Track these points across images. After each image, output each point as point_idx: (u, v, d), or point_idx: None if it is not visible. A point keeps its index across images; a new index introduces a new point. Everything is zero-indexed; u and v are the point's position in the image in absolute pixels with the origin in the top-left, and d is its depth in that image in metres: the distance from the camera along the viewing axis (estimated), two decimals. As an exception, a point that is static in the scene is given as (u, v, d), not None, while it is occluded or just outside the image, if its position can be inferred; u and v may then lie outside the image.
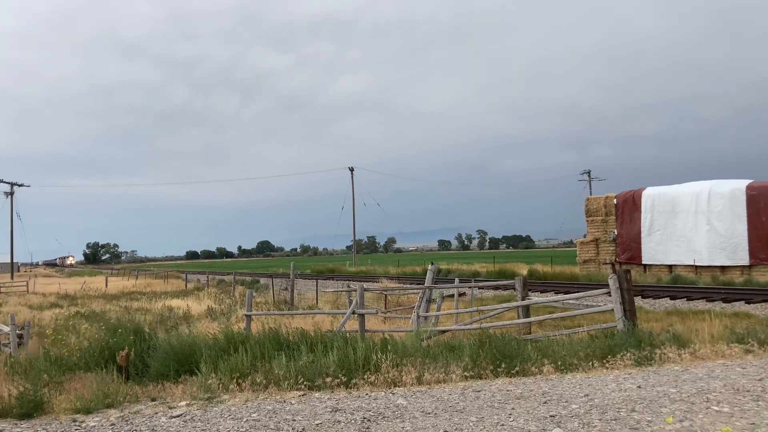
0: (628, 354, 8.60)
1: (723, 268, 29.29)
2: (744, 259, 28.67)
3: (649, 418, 5.65)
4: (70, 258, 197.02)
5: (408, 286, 26.77)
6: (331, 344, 9.22)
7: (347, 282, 37.47)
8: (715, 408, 5.88)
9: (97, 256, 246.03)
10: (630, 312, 10.29)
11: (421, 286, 15.86)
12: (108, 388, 7.76)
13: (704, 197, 30.33)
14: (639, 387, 6.90)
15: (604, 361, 8.50)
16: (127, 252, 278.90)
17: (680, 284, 26.80)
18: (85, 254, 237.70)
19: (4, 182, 76.29)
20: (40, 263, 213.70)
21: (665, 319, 16.17)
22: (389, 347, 9.09)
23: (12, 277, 70.12)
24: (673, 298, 22.24)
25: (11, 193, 76.46)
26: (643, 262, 32.96)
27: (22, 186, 77.51)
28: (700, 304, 20.31)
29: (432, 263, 16.67)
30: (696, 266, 30.38)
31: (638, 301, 19.21)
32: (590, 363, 8.45)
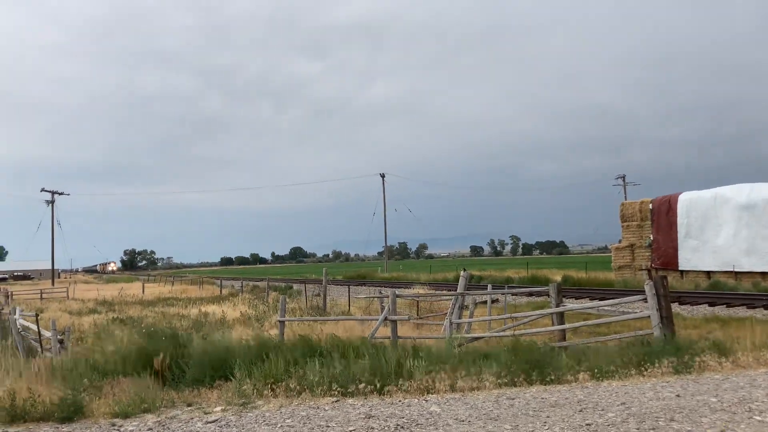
0: (666, 362, 8.43)
1: (764, 275, 28.49)
2: (786, 264, 27.91)
3: (688, 428, 5.53)
4: (111, 264, 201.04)
5: (440, 292, 26.67)
6: (363, 350, 9.24)
7: (379, 288, 37.47)
8: (758, 418, 5.73)
9: (134, 263, 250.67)
10: (667, 319, 10.09)
11: (453, 292, 15.79)
12: (145, 393, 7.88)
13: (743, 201, 29.59)
14: (678, 396, 6.76)
15: (641, 368, 8.34)
16: (163, 258, 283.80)
17: (719, 290, 26.16)
18: (122, 261, 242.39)
19: (46, 191, 78.37)
20: (79, 270, 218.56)
21: (704, 326, 15.83)
22: (422, 354, 9.07)
23: (53, 284, 71.93)
24: (711, 304, 21.74)
25: (52, 202, 78.44)
26: (680, 268, 32.30)
27: (62, 194, 79.55)
28: (741, 311, 19.82)
29: (464, 269, 16.60)
30: (735, 272, 29.62)
31: (675, 307, 18.83)
32: (627, 370, 8.31)
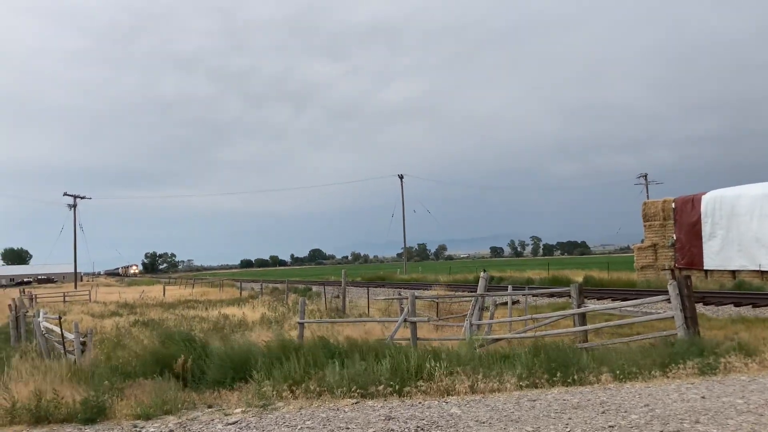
0: (691, 363, 8.30)
1: (791, 274, 27.99)
2: (814, 263, 27.37)
3: (714, 430, 5.43)
4: (133, 267, 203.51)
5: (460, 293, 26.57)
6: (383, 352, 9.21)
7: (398, 290, 37.43)
8: (786, 420, 5.60)
9: (155, 266, 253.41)
10: (691, 319, 9.94)
11: (473, 293, 15.70)
12: (166, 394, 7.93)
13: (768, 199, 29.08)
14: (703, 397, 6.64)
15: (665, 369, 8.22)
16: (183, 261, 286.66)
17: (745, 290, 25.72)
18: (143, 264, 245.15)
19: (68, 195, 79.48)
20: (101, 273, 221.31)
21: (729, 327, 15.57)
22: (442, 355, 9.02)
23: (75, 287, 72.92)
24: (737, 305, 21.37)
25: (74, 206, 79.53)
26: (704, 268, 31.82)
27: (84, 198, 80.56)
28: (767, 312, 19.47)
29: (484, 270, 16.50)
30: (762, 272, 29.09)
31: (699, 307, 18.55)
32: (650, 372, 8.19)
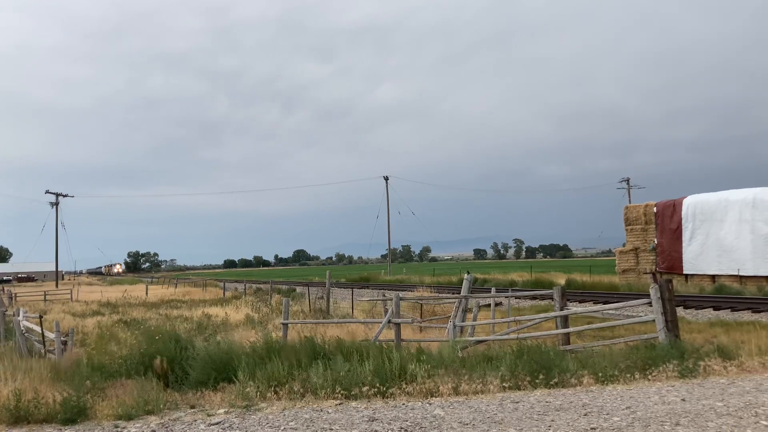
0: (671, 366, 8.39)
1: (769, 278, 28.39)
2: (791, 268, 27.78)
3: (694, 433, 5.50)
4: (117, 266, 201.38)
5: (444, 295, 26.62)
6: (367, 353, 9.22)
7: (382, 291, 37.46)
8: (765, 423, 5.69)
9: (138, 265, 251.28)
10: (672, 323, 10.05)
11: (457, 295, 15.75)
12: (148, 395, 7.87)
13: (749, 204, 29.48)
14: (683, 400, 6.72)
15: (646, 372, 8.30)
16: (166, 261, 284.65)
17: (724, 294, 26.05)
18: (125, 263, 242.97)
19: (50, 193, 78.56)
20: (83, 272, 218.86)
21: (708, 330, 15.76)
22: (425, 357, 9.04)
23: (57, 285, 72.06)
24: (716, 308, 21.64)
25: (56, 204, 78.65)
26: (684, 272, 32.19)
27: (67, 196, 79.68)
28: (746, 315, 19.73)
29: (468, 272, 16.56)
30: (740, 276, 29.51)
31: (680, 311, 18.75)
32: (631, 374, 8.27)
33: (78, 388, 7.98)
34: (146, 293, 47.01)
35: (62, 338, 12.55)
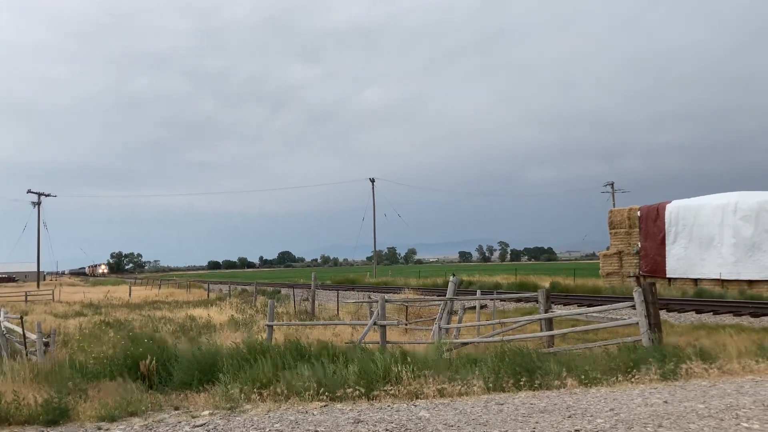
0: (654, 368, 8.46)
1: (750, 282, 28.72)
2: (772, 273, 28.13)
3: (676, 434, 5.55)
4: (102, 266, 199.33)
5: (429, 297, 26.68)
6: (352, 355, 9.21)
7: (368, 293, 37.46)
8: (745, 425, 5.75)
9: (121, 266, 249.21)
10: (655, 325, 10.14)
11: (442, 297, 15.79)
12: (131, 396, 7.81)
13: (730, 210, 29.83)
14: (666, 402, 6.78)
15: (629, 375, 8.37)
16: (150, 262, 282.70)
17: (706, 298, 26.34)
18: (109, 263, 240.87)
19: (32, 192, 77.67)
20: (66, 272, 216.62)
21: (691, 333, 15.92)
22: (410, 359, 9.05)
23: (38, 286, 71.24)
24: (699, 311, 21.88)
25: (38, 203, 77.78)
26: (667, 276, 32.51)
27: (49, 196, 78.83)
28: (727, 319, 19.96)
29: (453, 275, 16.61)
30: (722, 280, 29.84)
31: (663, 314, 18.92)
32: (615, 377, 8.33)
33: (60, 390, 7.89)
34: (129, 294, 46.64)
35: (44, 339, 12.42)
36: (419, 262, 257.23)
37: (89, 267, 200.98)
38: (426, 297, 27.79)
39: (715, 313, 21.36)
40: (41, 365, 10.44)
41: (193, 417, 7.10)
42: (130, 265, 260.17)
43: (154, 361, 9.97)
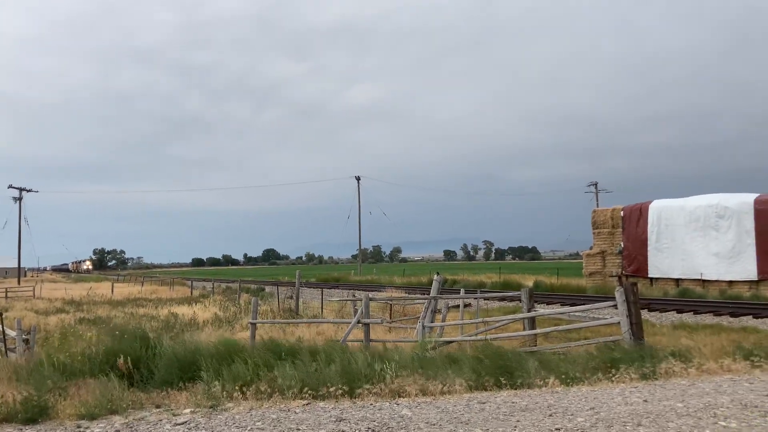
0: (634, 367, 8.55)
1: (731, 283, 29.08)
2: (752, 273, 28.47)
3: (655, 433, 5.61)
4: (86, 263, 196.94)
5: (413, 296, 26.72)
6: (335, 354, 9.20)
7: (352, 291, 37.43)
8: (723, 423, 5.83)
9: (104, 262, 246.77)
10: (636, 325, 10.24)
11: (426, 296, 15.83)
12: (112, 394, 7.74)
13: (712, 211, 30.17)
14: (645, 401, 6.85)
15: (610, 374, 8.45)
16: (133, 258, 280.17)
17: (687, 298, 26.63)
18: (91, 260, 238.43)
19: (14, 187, 76.72)
20: (47, 268, 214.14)
21: (672, 333, 16.07)
22: (394, 357, 9.06)
23: (19, 282, 70.40)
24: (680, 311, 22.10)
25: (20, 199, 76.85)
26: (650, 275, 32.80)
27: (31, 191, 77.92)
28: (708, 318, 20.19)
29: (438, 273, 16.64)
30: (703, 280, 30.18)
31: (645, 314, 19.10)
32: (596, 376, 8.40)
33: (39, 387, 7.81)
34: (112, 291, 46.23)
35: (24, 336, 12.29)
36: (404, 260, 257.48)
37: (73, 263, 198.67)
38: (410, 295, 27.82)
39: (696, 312, 21.59)
40: (21, 363, 10.33)
41: (175, 415, 7.06)
42: (113, 261, 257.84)
43: (135, 359, 9.89)
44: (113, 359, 9.99)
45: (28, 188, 77.50)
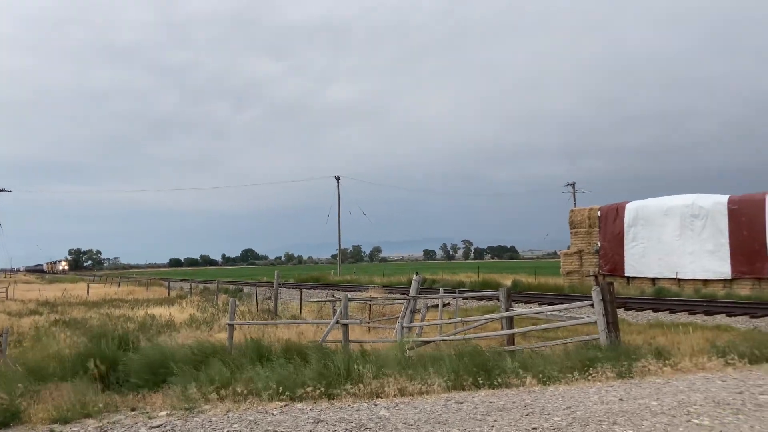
0: (611, 366, 8.62)
1: (705, 282, 29.51)
2: (726, 272, 28.91)
3: (630, 431, 5.66)
4: (62, 263, 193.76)
5: (393, 296, 26.72)
6: (313, 355, 9.17)
7: (332, 291, 37.33)
8: (696, 421, 5.90)
9: (79, 263, 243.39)
10: (613, 324, 10.33)
11: (405, 296, 15.84)
12: (86, 397, 7.64)
13: (687, 211, 30.59)
14: (621, 399, 6.92)
15: (587, 373, 8.51)
16: (109, 259, 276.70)
17: (663, 297, 26.96)
18: (67, 260, 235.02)
19: (-14, 187, 75.34)
20: (21, 269, 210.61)
21: (648, 332, 16.26)
22: (372, 358, 9.06)
23: (-9, 283, 69.16)
24: (655, 310, 22.37)
25: (-8, 198, 75.54)
26: (626, 275, 33.16)
27: (3, 191, 76.64)
28: (683, 317, 20.45)
29: (417, 273, 16.66)
30: (678, 279, 30.60)
31: (621, 313, 19.32)
32: (573, 375, 8.46)
33: (10, 391, 7.68)
34: (87, 292, 45.60)
35: (-4, 339, 12.07)
36: (384, 260, 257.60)
37: (48, 264, 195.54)
38: (389, 295, 27.83)
39: (671, 311, 21.87)
40: (-8, 366, 10.14)
41: (150, 418, 6.98)
42: (89, 262, 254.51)
43: (111, 361, 9.78)
44: (87, 362, 9.86)
45: (0, 188, 76.25)
